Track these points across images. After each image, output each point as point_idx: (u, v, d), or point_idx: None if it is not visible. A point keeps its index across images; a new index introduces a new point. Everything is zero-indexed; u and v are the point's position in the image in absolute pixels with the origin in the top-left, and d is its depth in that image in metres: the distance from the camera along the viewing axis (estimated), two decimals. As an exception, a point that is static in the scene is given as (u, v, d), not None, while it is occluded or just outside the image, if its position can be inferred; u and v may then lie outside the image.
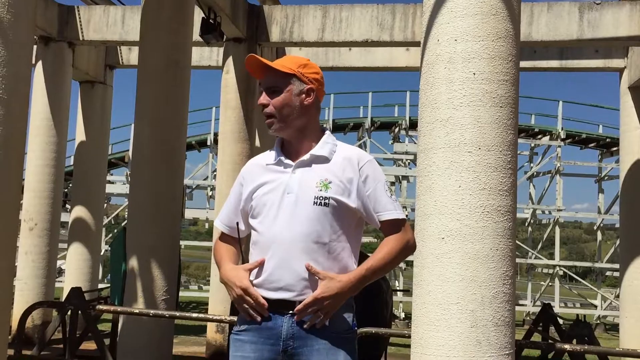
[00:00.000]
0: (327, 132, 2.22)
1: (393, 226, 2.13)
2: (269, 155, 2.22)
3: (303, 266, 2.02)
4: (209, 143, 18.08)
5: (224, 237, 2.29)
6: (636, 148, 9.37)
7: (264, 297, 2.07)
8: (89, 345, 6.69)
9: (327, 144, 2.16)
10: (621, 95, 9.81)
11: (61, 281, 12.48)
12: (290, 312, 2.03)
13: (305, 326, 2.01)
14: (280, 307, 2.05)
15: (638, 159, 9.32)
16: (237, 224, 2.21)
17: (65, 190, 14.63)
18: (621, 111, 9.86)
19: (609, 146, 17.59)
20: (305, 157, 2.13)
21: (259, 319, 2.05)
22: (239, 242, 2.23)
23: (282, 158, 2.16)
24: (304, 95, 2.14)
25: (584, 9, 8.30)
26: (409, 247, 2.14)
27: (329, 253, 2.05)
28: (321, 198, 2.05)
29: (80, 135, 11.14)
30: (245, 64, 2.17)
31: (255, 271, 2.11)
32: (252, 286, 2.07)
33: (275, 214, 2.09)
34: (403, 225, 2.14)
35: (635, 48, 9.32)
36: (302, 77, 2.15)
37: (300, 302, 2.02)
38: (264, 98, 2.14)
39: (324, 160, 2.13)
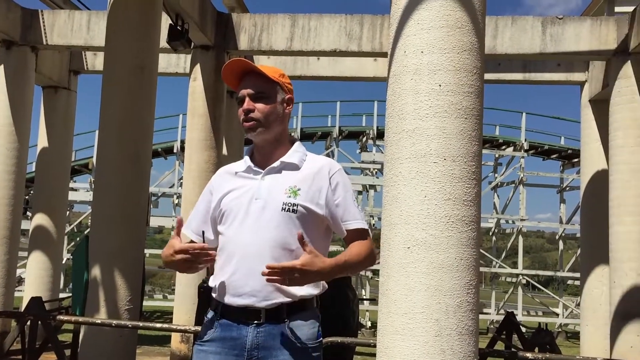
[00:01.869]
0: (299, 142, 2.24)
1: (360, 235, 2.15)
2: (240, 164, 2.23)
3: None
4: (175, 150, 17.91)
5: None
6: (596, 160, 9.62)
7: (228, 304, 2.05)
8: (49, 357, 6.53)
9: (297, 152, 2.18)
10: (582, 108, 10.07)
11: (21, 290, 12.15)
12: (256, 322, 2.02)
13: (265, 277, 1.93)
14: (245, 316, 2.03)
15: (598, 170, 9.56)
16: (203, 232, 2.18)
17: (26, 197, 14.29)
18: (582, 124, 10.11)
19: (570, 157, 18.01)
20: (276, 164, 2.14)
21: (209, 264, 2.04)
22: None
23: (252, 165, 2.17)
24: (285, 104, 2.19)
25: (547, 24, 8.50)
26: (373, 256, 2.17)
27: (297, 259, 2.03)
28: (289, 204, 2.05)
29: (42, 141, 10.90)
30: (226, 67, 2.15)
31: (219, 276, 2.09)
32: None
33: (242, 219, 2.08)
34: (368, 236, 2.18)
35: (595, 62, 9.58)
36: (284, 87, 2.19)
37: (265, 307, 2.01)
38: (249, 104, 2.13)
39: (294, 167, 2.14)
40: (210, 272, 2.17)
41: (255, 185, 2.12)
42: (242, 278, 2.02)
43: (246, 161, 2.20)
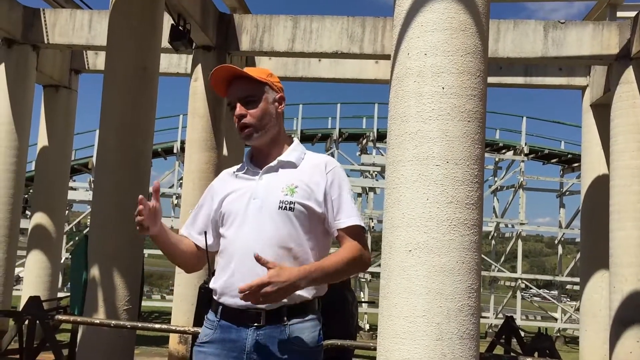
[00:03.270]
0: (296, 140, 2.23)
1: (353, 233, 2.09)
2: (240, 166, 2.22)
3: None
4: (175, 151, 17.88)
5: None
6: (597, 165, 9.61)
7: (228, 305, 2.03)
8: (47, 356, 6.50)
9: (295, 151, 2.17)
10: (583, 113, 10.06)
11: (19, 289, 12.14)
12: (256, 324, 2.00)
13: (242, 299, 1.91)
14: (245, 318, 2.01)
15: (598, 175, 9.55)
16: (205, 233, 2.17)
17: (26, 196, 14.27)
18: (583, 128, 10.11)
19: (570, 162, 18.00)
20: (273, 163, 2.13)
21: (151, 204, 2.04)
22: (206, 252, 2.18)
23: (250, 166, 2.16)
24: (277, 103, 2.17)
25: (549, 28, 8.50)
26: (364, 261, 2.09)
27: (295, 259, 2.02)
28: (286, 202, 2.03)
29: (42, 140, 10.88)
30: (212, 75, 2.13)
31: (220, 277, 2.08)
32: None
33: (241, 220, 2.07)
34: (363, 235, 2.12)
35: (597, 67, 9.58)
36: (273, 86, 2.17)
37: (265, 309, 1.99)
38: (240, 109, 2.11)
39: (292, 165, 2.12)
40: (211, 273, 2.16)
41: (254, 185, 2.11)
42: (242, 279, 2.00)
43: (245, 162, 2.19)
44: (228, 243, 2.09)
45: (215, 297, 2.10)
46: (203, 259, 2.22)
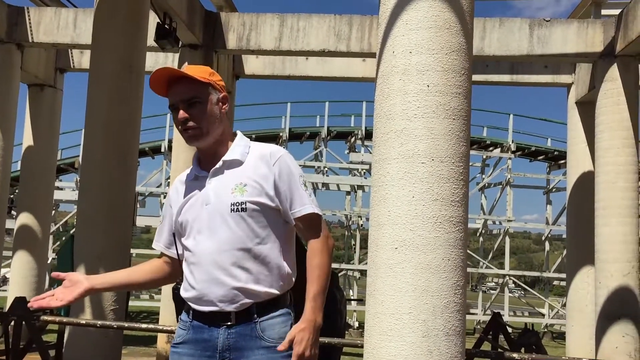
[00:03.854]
0: (239, 134, 2.17)
1: (310, 222, 2.07)
2: (189, 171, 2.18)
3: (231, 276, 1.98)
4: (163, 150, 17.79)
5: (162, 256, 2.25)
6: (582, 161, 9.69)
7: (198, 311, 2.04)
8: (34, 357, 6.45)
9: (238, 146, 2.11)
10: (569, 110, 10.14)
11: (5, 290, 12.05)
12: (228, 323, 2.00)
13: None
14: (215, 319, 2.02)
15: (584, 172, 9.63)
16: (175, 244, 2.17)
17: (11, 196, 14.14)
18: (568, 125, 10.19)
19: (556, 159, 18.13)
20: (218, 164, 2.09)
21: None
22: (179, 261, 2.18)
23: (198, 171, 2.13)
24: (220, 103, 2.11)
25: (534, 26, 8.55)
26: (331, 247, 2.09)
27: (256, 258, 2.01)
28: (237, 204, 2.01)
29: (28, 139, 10.80)
30: (152, 77, 2.05)
31: (187, 288, 2.08)
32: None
33: (198, 228, 2.06)
34: (320, 222, 2.09)
35: (582, 64, 9.66)
36: (216, 85, 2.11)
37: (234, 311, 1.99)
38: (183, 113, 2.05)
39: (238, 163, 2.08)
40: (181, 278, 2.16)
41: (203, 190, 2.08)
42: (206, 287, 2.01)
43: (193, 167, 2.16)
44: (189, 253, 2.08)
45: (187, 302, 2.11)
46: (180, 267, 2.21)
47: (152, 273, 2.22)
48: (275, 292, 2.04)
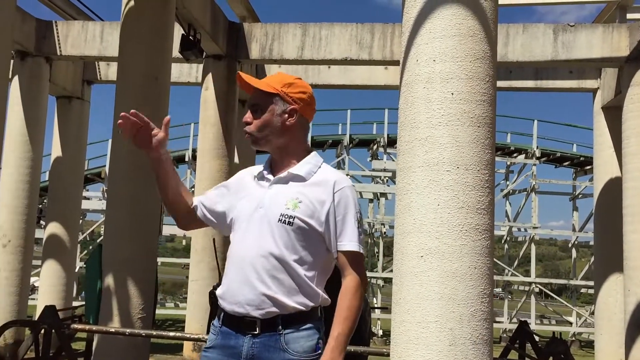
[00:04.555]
0: (313, 153, 2.18)
1: (352, 259, 2.07)
2: (260, 169, 2.23)
3: (263, 282, 2.01)
4: (187, 159, 17.97)
5: (193, 205, 2.27)
6: (609, 167, 9.55)
7: (225, 311, 2.07)
8: (63, 365, 6.54)
9: (307, 164, 2.13)
10: (594, 115, 10.01)
11: (34, 299, 12.24)
12: (252, 332, 2.02)
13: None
14: (242, 325, 2.04)
15: (611, 178, 9.49)
16: (205, 211, 2.23)
17: (40, 206, 14.40)
18: (595, 131, 10.05)
19: (582, 165, 17.88)
20: (283, 174, 2.13)
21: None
22: (196, 220, 2.24)
23: (266, 173, 2.18)
24: (286, 115, 2.12)
25: (559, 31, 8.48)
26: (364, 290, 2.10)
27: (290, 272, 2.02)
28: (286, 216, 2.03)
29: (56, 150, 11.00)
30: (238, 81, 2.19)
31: (224, 283, 2.13)
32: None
33: (245, 227, 2.10)
34: (361, 262, 2.09)
35: (608, 69, 9.53)
36: (286, 97, 2.12)
37: (260, 317, 2.01)
38: (248, 116, 2.15)
39: (301, 179, 2.11)
40: (220, 278, 2.20)
41: (262, 194, 2.12)
42: (239, 286, 2.04)
43: (264, 167, 2.21)
44: (232, 249, 2.13)
45: (219, 303, 2.14)
46: (195, 223, 2.27)
47: (185, 199, 2.23)
48: (302, 308, 2.04)
